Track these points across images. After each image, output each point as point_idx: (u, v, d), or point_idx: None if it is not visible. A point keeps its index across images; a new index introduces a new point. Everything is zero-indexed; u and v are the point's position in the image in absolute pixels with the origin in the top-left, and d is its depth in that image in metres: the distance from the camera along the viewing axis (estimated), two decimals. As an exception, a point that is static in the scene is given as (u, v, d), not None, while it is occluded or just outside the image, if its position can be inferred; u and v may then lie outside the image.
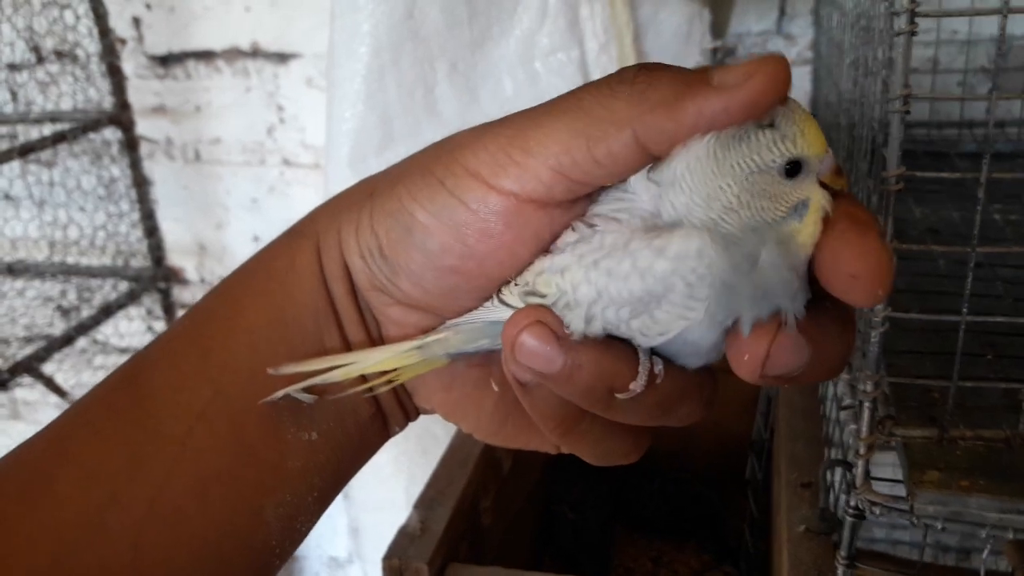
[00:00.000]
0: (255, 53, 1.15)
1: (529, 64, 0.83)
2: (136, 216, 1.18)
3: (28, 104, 1.11)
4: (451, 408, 0.34)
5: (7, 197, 1.25)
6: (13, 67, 1.15)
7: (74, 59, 1.10)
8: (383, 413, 0.34)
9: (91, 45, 1.09)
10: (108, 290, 1.19)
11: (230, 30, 1.15)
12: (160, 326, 1.25)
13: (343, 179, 0.83)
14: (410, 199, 0.30)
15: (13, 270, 1.22)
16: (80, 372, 1.21)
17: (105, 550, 0.28)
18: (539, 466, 0.82)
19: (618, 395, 0.28)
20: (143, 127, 1.19)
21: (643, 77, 0.27)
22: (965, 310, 0.39)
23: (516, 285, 0.30)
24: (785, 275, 0.26)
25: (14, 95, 1.13)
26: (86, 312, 1.15)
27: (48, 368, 1.10)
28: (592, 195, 0.29)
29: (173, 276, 1.29)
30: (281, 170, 1.21)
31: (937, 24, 0.86)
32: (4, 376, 1.01)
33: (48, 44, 1.12)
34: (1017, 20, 0.79)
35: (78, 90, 1.11)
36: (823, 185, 0.27)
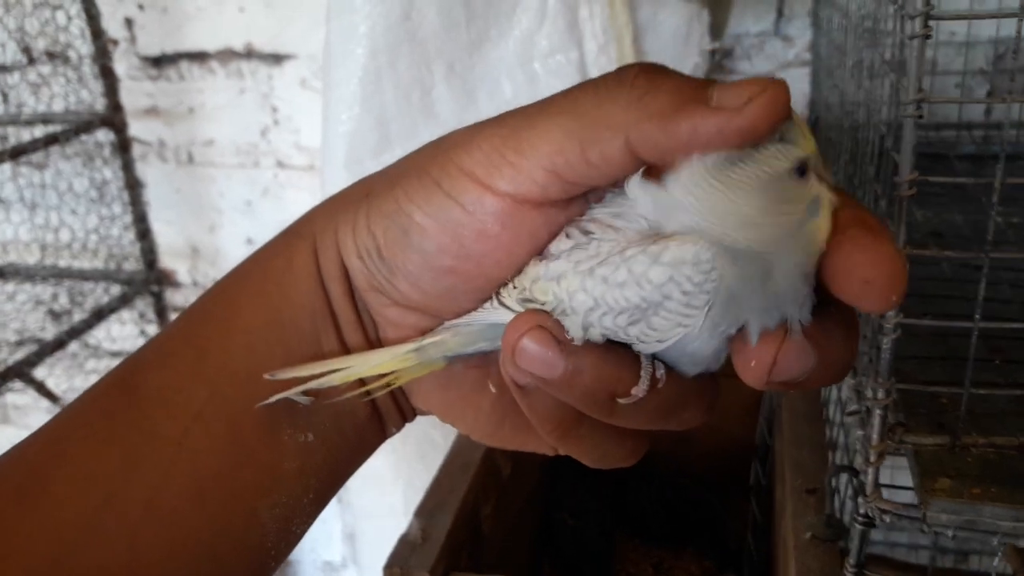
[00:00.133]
0: (249, 54, 1.14)
1: (528, 66, 0.83)
2: (128, 219, 1.17)
3: (19, 106, 1.10)
4: (448, 409, 0.34)
5: (-2, 200, 1.24)
6: (4, 68, 1.13)
7: (66, 60, 1.09)
8: (380, 414, 0.34)
9: (83, 46, 1.08)
10: (100, 293, 1.19)
11: (224, 31, 1.14)
12: (153, 329, 1.24)
13: (339, 182, 0.83)
14: (407, 200, 0.30)
15: (4, 273, 1.21)
16: (72, 377, 1.20)
17: (102, 551, 0.28)
18: (538, 472, 0.82)
19: (620, 400, 0.28)
20: (135, 129, 1.19)
21: (642, 81, 0.26)
22: (978, 316, 0.38)
23: (514, 288, 0.29)
24: (798, 284, 0.26)
25: (5, 97, 1.12)
26: (78, 316, 1.15)
27: (40, 373, 1.09)
28: (588, 194, 0.29)
29: (166, 279, 1.28)
30: (275, 172, 1.21)
31: (936, 26, 0.86)
32: (-5, 381, 1.00)
33: (40, 45, 1.11)
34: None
35: (70, 91, 1.10)
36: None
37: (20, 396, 1.27)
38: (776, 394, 0.69)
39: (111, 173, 1.15)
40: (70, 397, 1.15)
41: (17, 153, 1.00)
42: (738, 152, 0.26)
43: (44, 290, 1.20)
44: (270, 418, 0.31)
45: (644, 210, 0.27)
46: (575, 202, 0.29)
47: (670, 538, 0.86)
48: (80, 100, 1.10)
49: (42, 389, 1.10)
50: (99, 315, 1.14)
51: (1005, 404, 0.42)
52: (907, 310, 0.37)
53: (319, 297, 0.32)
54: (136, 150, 1.19)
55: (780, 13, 0.99)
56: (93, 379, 0.32)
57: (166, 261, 1.28)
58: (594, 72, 0.85)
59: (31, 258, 1.23)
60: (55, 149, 1.09)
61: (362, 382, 0.32)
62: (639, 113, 0.26)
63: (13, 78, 1.11)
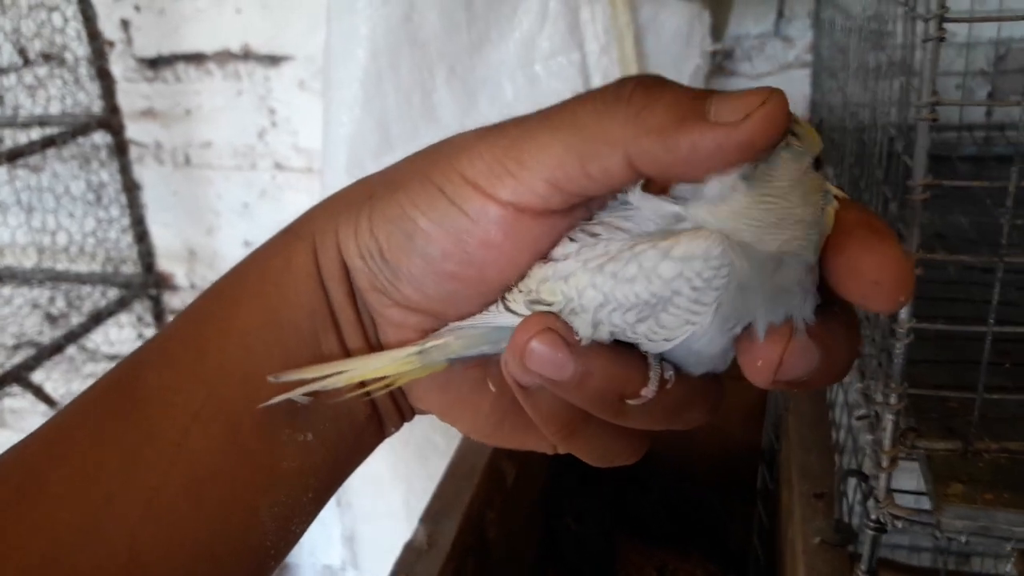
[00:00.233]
0: (246, 56, 1.14)
1: (529, 67, 0.82)
2: (126, 221, 1.17)
3: (16, 108, 1.09)
4: (448, 409, 0.34)
5: (-6, 203, 1.24)
6: (0, 71, 1.13)
7: (62, 62, 1.09)
8: (379, 414, 0.34)
9: (79, 48, 1.07)
10: (97, 297, 1.18)
11: (221, 32, 1.13)
12: (151, 333, 1.24)
13: (340, 184, 0.81)
14: (411, 205, 0.30)
15: (1, 277, 1.21)
16: (70, 381, 1.20)
17: (100, 551, 0.28)
18: (542, 476, 0.82)
19: (629, 401, 0.28)
20: (132, 131, 1.18)
21: (639, 97, 0.26)
22: (992, 321, 0.38)
23: (520, 292, 0.29)
24: (803, 276, 0.26)
25: (1, 99, 1.11)
26: (75, 319, 1.14)
27: (37, 377, 1.09)
28: (591, 202, 0.29)
29: (163, 282, 1.28)
30: (273, 174, 1.20)
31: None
32: (-7, 386, 0.99)
33: (36, 47, 1.10)
34: (1018, 23, 0.79)
35: (66, 94, 1.09)
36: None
37: (17, 400, 1.27)
38: (783, 398, 0.69)
39: (108, 176, 1.14)
40: (68, 401, 1.14)
41: (13, 156, 0.99)
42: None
43: (41, 294, 1.19)
44: (269, 418, 0.31)
45: (650, 216, 0.27)
46: (577, 209, 0.29)
47: (673, 541, 0.86)
48: (77, 102, 1.09)
49: (40, 393, 1.09)
50: (97, 319, 1.13)
51: (1016, 408, 0.42)
52: (914, 313, 0.37)
53: (318, 297, 0.32)
54: (133, 152, 1.18)
55: (780, 14, 0.98)
56: (91, 383, 0.32)
57: (164, 264, 1.27)
58: (596, 73, 0.84)
59: (28, 261, 1.23)
60: (52, 152, 1.09)
61: (362, 383, 0.32)
62: (637, 129, 0.26)
63: (9, 80, 1.11)
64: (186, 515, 0.29)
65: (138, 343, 1.23)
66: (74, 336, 1.10)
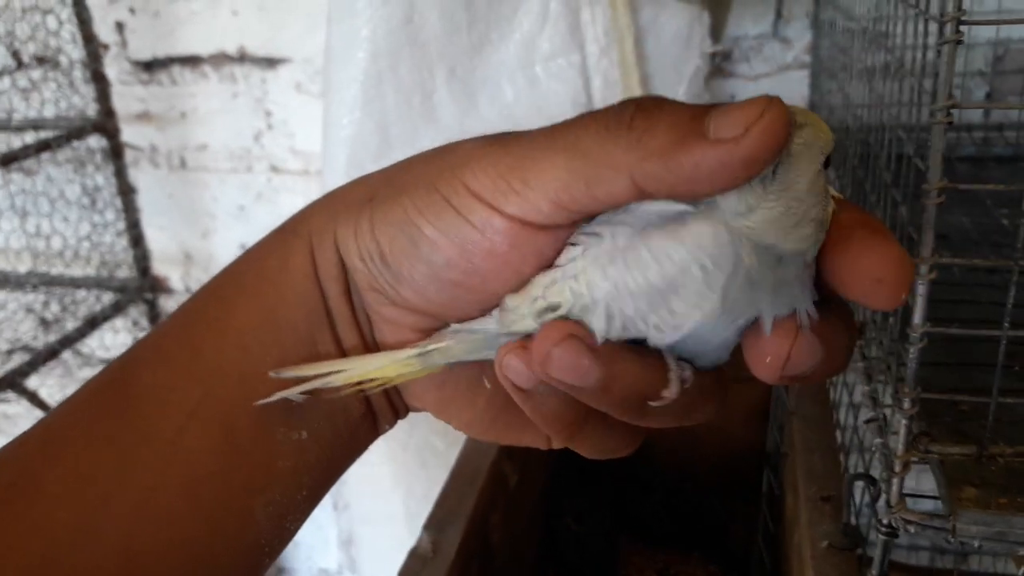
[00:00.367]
0: (242, 58, 1.13)
1: (529, 69, 0.82)
2: (121, 225, 1.16)
3: (10, 111, 1.09)
4: (443, 407, 0.34)
5: (-12, 207, 1.23)
6: (-6, 74, 1.12)
7: (56, 65, 1.08)
8: (373, 411, 0.34)
9: (74, 51, 1.07)
10: (93, 301, 1.17)
11: (216, 35, 1.13)
12: (146, 337, 1.23)
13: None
14: (416, 213, 0.30)
15: (-6, 282, 1.20)
16: (65, 387, 1.19)
17: (96, 551, 0.28)
18: (543, 476, 0.81)
19: (651, 403, 0.28)
20: (127, 134, 1.17)
21: (640, 121, 0.26)
22: (1007, 324, 0.38)
23: (524, 299, 0.29)
24: (802, 271, 0.27)
25: (-5, 102, 1.11)
26: (70, 324, 1.13)
27: (32, 382, 1.08)
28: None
29: (159, 286, 1.27)
30: (269, 177, 1.20)
31: (939, 28, 0.86)
32: (-13, 392, 0.98)
33: (30, 50, 1.10)
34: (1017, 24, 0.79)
35: (61, 97, 1.08)
36: None
37: (12, 406, 1.26)
38: (786, 400, 0.69)
39: (103, 179, 1.14)
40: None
41: (8, 160, 0.99)
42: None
43: (36, 298, 1.18)
44: (264, 417, 0.31)
45: (655, 217, 0.27)
46: (581, 222, 0.29)
47: (674, 542, 0.86)
48: (71, 105, 1.09)
49: (34, 399, 1.08)
50: (92, 323, 1.12)
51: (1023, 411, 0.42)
52: (927, 317, 0.37)
53: (315, 297, 0.32)
54: (128, 156, 1.18)
55: (779, 15, 0.98)
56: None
57: (159, 268, 1.27)
58: (596, 75, 0.84)
59: (22, 266, 1.22)
60: (46, 155, 1.08)
61: (358, 380, 0.32)
62: (640, 152, 0.26)
63: (3, 83, 1.10)
64: (182, 514, 0.29)
65: (134, 347, 1.22)
66: (69, 341, 1.09)
